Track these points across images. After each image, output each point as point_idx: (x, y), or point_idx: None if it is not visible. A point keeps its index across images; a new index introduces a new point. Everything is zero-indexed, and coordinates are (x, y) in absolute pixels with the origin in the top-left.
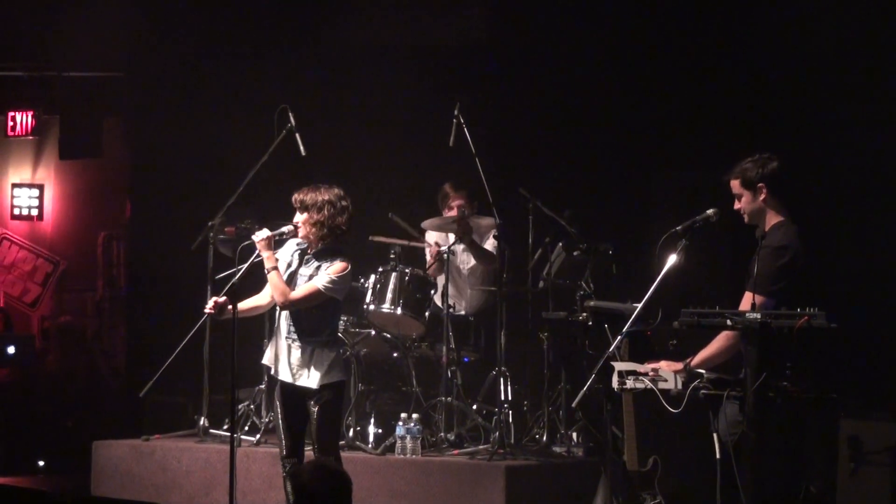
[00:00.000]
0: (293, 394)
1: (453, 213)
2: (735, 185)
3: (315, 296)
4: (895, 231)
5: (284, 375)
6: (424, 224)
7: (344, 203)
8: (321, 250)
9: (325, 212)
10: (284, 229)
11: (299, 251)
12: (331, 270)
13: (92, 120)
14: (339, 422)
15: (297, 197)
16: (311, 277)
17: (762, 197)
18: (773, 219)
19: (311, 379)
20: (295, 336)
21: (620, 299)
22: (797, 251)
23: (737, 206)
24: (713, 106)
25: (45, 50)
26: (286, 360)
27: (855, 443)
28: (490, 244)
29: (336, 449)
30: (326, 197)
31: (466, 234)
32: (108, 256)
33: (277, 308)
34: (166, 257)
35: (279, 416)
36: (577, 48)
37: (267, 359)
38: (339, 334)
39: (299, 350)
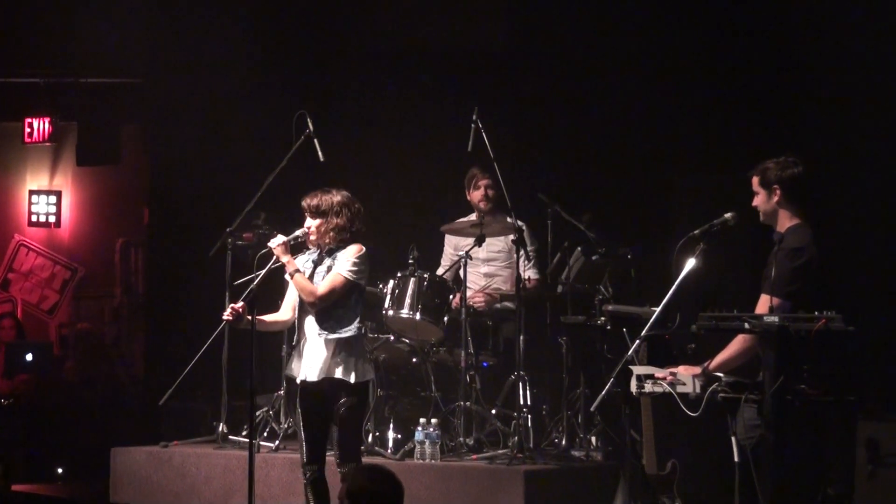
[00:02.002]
0: (317, 398)
1: (480, 192)
2: (754, 182)
3: (341, 285)
4: None
5: (315, 374)
6: (443, 228)
7: (357, 205)
8: (332, 249)
9: (345, 215)
10: (298, 233)
11: (311, 259)
12: (348, 255)
13: (110, 126)
14: (362, 427)
15: (309, 202)
16: (329, 270)
17: (776, 199)
18: (787, 221)
19: (346, 371)
20: (326, 332)
21: (639, 303)
22: (812, 253)
23: (754, 203)
24: (734, 109)
25: (63, 56)
26: (317, 359)
27: (873, 445)
28: (510, 244)
29: (358, 455)
30: (340, 199)
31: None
32: (125, 263)
33: (297, 321)
34: (184, 264)
35: (300, 421)
36: (596, 52)
37: (293, 369)
38: None
39: (332, 344)
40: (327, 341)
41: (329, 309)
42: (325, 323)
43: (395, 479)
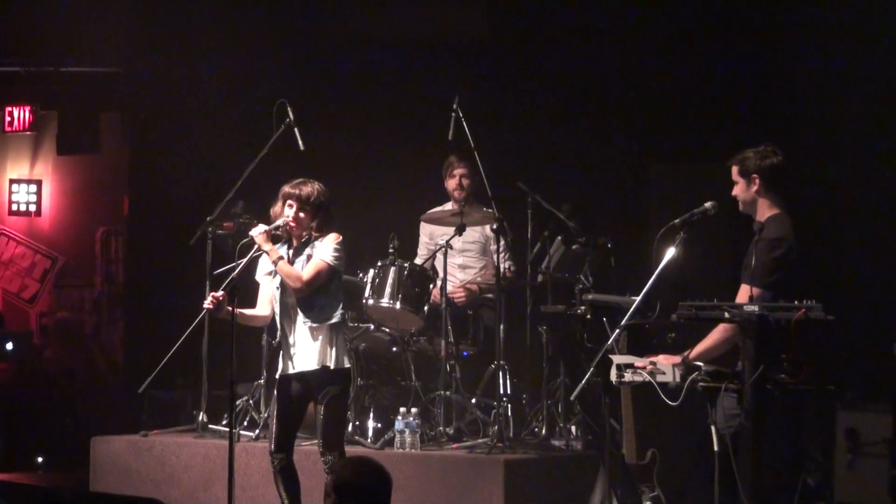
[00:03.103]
0: (299, 387)
1: (454, 181)
2: (734, 171)
3: (325, 270)
4: (892, 224)
5: (301, 365)
6: (423, 217)
7: (329, 194)
8: (308, 239)
9: (322, 207)
10: (280, 222)
11: (285, 249)
12: (328, 242)
13: (90, 115)
14: (346, 419)
15: (289, 191)
16: (309, 258)
17: (755, 188)
18: (766, 211)
19: (331, 359)
20: (311, 320)
21: (619, 292)
22: (792, 243)
23: (733, 192)
24: (712, 98)
25: (43, 45)
26: (308, 349)
27: (852, 435)
28: (487, 234)
29: (341, 445)
30: (321, 189)
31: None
32: (106, 252)
33: (277, 315)
34: (164, 253)
35: (276, 410)
36: (575, 42)
37: (285, 367)
38: None
39: (319, 332)
40: (313, 329)
41: (312, 297)
42: (310, 312)
43: (383, 472)
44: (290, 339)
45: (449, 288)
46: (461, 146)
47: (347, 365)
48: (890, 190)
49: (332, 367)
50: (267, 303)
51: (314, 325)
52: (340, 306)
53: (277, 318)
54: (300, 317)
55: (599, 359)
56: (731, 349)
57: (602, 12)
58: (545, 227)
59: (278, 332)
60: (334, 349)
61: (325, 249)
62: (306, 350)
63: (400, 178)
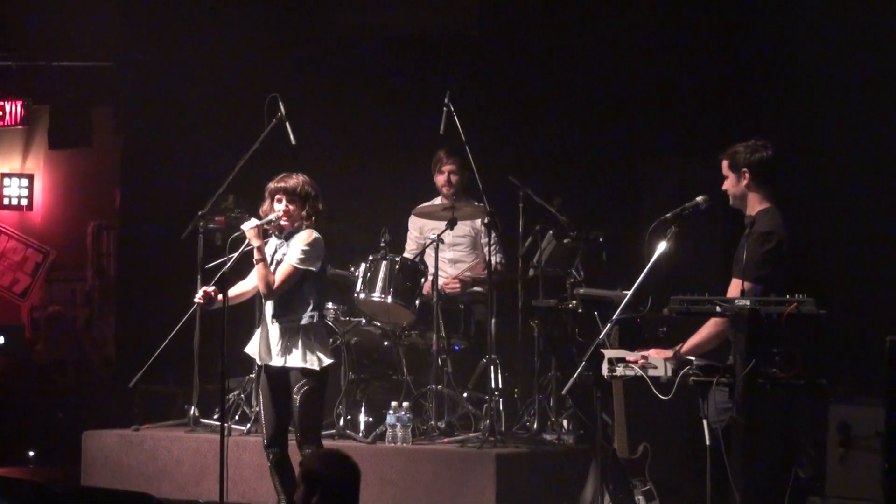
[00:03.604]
0: (278, 380)
1: (443, 177)
2: (724, 165)
3: (292, 273)
4: (882, 217)
5: (271, 359)
6: (414, 211)
7: (314, 184)
8: (290, 232)
9: (310, 197)
10: (272, 217)
11: (276, 244)
12: (298, 242)
13: (81, 109)
14: (322, 409)
15: (276, 186)
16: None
17: (745, 182)
18: (756, 205)
19: (300, 358)
20: (278, 318)
21: (610, 287)
22: (783, 237)
23: (723, 186)
24: (703, 93)
25: (35, 39)
26: (271, 344)
27: (844, 428)
28: (476, 228)
29: (318, 437)
30: (303, 178)
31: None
32: (97, 246)
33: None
34: (156, 247)
35: (263, 404)
36: (566, 36)
37: (251, 348)
38: (329, 322)
39: (283, 331)
40: (281, 328)
41: (280, 300)
42: (278, 309)
43: (352, 463)
44: (266, 331)
45: (440, 282)
46: (452, 140)
47: (325, 364)
48: (881, 183)
49: (302, 367)
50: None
51: (282, 323)
52: (311, 307)
53: (261, 300)
54: (271, 312)
55: (591, 353)
56: (722, 343)
57: (593, 7)
58: (536, 221)
59: (258, 317)
60: (304, 350)
61: (293, 251)
62: (276, 346)
63: (391, 172)
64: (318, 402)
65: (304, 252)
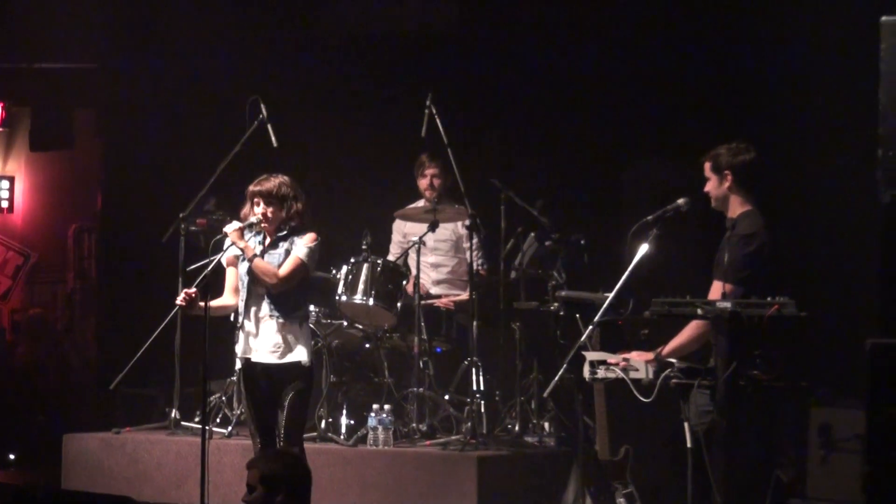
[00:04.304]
0: (265, 381)
1: (425, 181)
2: (706, 167)
3: (300, 267)
4: (862, 220)
5: (270, 357)
6: (397, 214)
7: (298, 188)
8: (286, 233)
9: (301, 199)
10: (253, 219)
11: (259, 242)
12: (305, 241)
13: (63, 111)
14: (307, 414)
15: (254, 190)
16: (287, 253)
17: (727, 184)
18: (738, 207)
19: (297, 354)
20: (277, 314)
21: (592, 289)
22: (764, 239)
23: (706, 188)
24: (685, 95)
25: (16, 41)
26: (271, 341)
27: (825, 431)
28: (458, 232)
29: (301, 441)
30: (281, 180)
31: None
32: (79, 248)
33: (242, 300)
34: (137, 249)
35: (251, 405)
36: (548, 38)
37: (241, 349)
38: (311, 325)
39: (286, 327)
40: (280, 324)
41: (286, 292)
42: (280, 306)
43: (307, 465)
44: (255, 329)
45: (432, 290)
46: (434, 142)
47: (312, 361)
48: (862, 186)
49: (299, 362)
50: (232, 292)
51: (282, 319)
52: (307, 303)
53: (242, 304)
54: (268, 309)
55: (572, 355)
56: (704, 346)
57: (576, 7)
58: (518, 223)
59: (241, 317)
60: (301, 345)
61: (301, 247)
62: (272, 343)
63: (373, 174)
64: (306, 405)
65: (311, 250)
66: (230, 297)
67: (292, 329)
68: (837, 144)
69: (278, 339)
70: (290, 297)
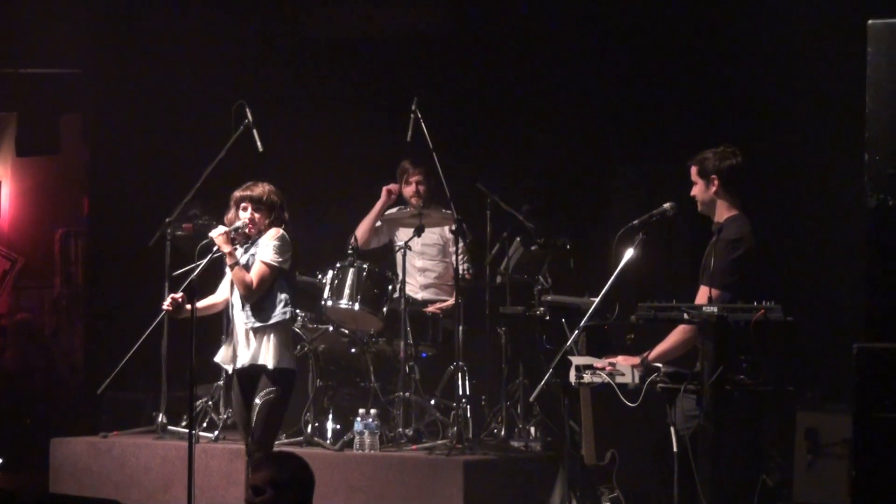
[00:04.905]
0: (249, 384)
1: (411, 188)
2: (693, 172)
3: (268, 272)
4: (849, 225)
5: (243, 361)
6: (381, 218)
7: (280, 193)
8: (255, 239)
9: (276, 206)
10: (238, 224)
11: (245, 251)
12: (267, 241)
13: (49, 116)
14: (280, 422)
15: (241, 195)
16: (253, 257)
17: (713, 189)
18: (724, 212)
19: (270, 357)
20: (253, 320)
21: (578, 294)
22: (751, 244)
23: (692, 192)
24: (671, 99)
25: (2, 47)
26: (246, 347)
27: (812, 435)
28: (446, 236)
29: (270, 448)
30: (268, 187)
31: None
32: (65, 253)
33: (231, 305)
34: (124, 254)
35: (238, 412)
36: (535, 41)
37: (221, 357)
38: (297, 329)
39: (259, 332)
40: (254, 329)
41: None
42: (251, 312)
43: (311, 469)
44: (235, 335)
45: (420, 294)
46: (420, 147)
47: (291, 366)
48: (848, 191)
49: (270, 367)
50: (226, 289)
51: (255, 325)
52: (283, 304)
53: (228, 311)
54: (241, 315)
55: (558, 360)
56: (690, 350)
57: (564, 12)
58: (504, 228)
59: (230, 322)
60: (274, 348)
61: (264, 250)
62: (247, 348)
63: (359, 178)
64: (279, 412)
65: (276, 248)
66: (223, 292)
67: (264, 333)
68: (823, 149)
69: (252, 343)
70: (260, 302)
